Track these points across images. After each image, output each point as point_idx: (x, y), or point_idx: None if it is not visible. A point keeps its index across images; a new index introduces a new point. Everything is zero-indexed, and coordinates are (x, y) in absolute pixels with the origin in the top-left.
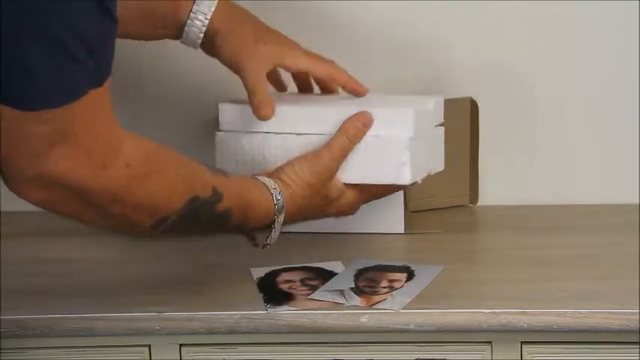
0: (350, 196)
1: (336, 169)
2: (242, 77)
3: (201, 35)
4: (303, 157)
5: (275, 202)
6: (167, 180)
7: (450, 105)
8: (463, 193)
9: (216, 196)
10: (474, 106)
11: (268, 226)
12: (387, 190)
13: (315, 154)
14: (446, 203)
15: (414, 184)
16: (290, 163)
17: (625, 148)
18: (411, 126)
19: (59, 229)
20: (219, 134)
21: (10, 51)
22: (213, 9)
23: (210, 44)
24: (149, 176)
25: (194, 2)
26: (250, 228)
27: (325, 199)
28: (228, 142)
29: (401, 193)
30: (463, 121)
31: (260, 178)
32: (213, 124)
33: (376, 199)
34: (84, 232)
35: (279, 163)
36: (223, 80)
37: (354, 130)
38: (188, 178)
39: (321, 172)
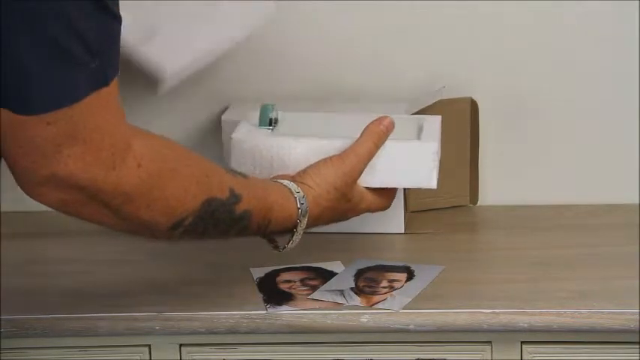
0: (369, 199)
1: (361, 172)
2: None
3: None
4: (329, 160)
5: (299, 205)
6: (180, 179)
7: (450, 105)
8: (463, 193)
9: (234, 197)
10: (474, 106)
11: (290, 230)
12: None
13: (340, 157)
14: (446, 203)
15: None
16: (315, 165)
17: (625, 148)
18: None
19: (59, 229)
20: (236, 137)
21: (7, 54)
22: None
23: None
24: (161, 175)
25: None
26: (272, 231)
27: (349, 203)
28: (244, 145)
29: (401, 192)
30: (463, 121)
31: (282, 181)
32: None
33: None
34: (84, 232)
35: (299, 168)
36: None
37: (379, 134)
38: (203, 178)
39: (347, 174)
